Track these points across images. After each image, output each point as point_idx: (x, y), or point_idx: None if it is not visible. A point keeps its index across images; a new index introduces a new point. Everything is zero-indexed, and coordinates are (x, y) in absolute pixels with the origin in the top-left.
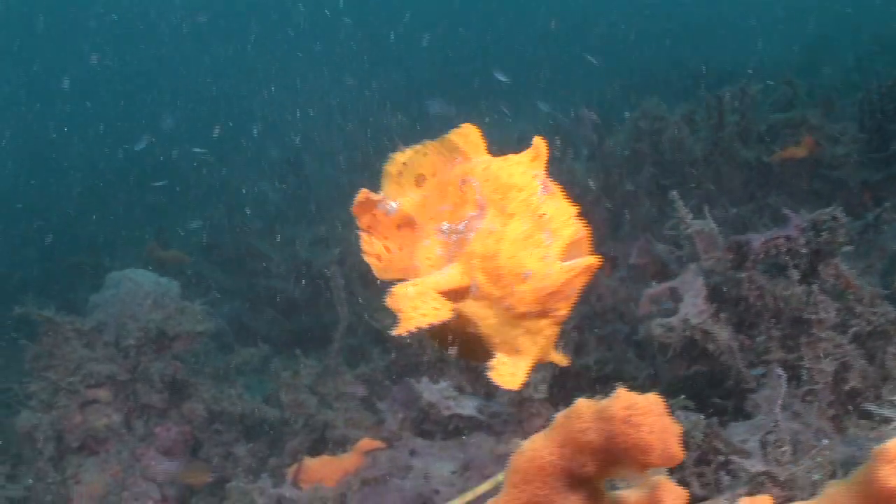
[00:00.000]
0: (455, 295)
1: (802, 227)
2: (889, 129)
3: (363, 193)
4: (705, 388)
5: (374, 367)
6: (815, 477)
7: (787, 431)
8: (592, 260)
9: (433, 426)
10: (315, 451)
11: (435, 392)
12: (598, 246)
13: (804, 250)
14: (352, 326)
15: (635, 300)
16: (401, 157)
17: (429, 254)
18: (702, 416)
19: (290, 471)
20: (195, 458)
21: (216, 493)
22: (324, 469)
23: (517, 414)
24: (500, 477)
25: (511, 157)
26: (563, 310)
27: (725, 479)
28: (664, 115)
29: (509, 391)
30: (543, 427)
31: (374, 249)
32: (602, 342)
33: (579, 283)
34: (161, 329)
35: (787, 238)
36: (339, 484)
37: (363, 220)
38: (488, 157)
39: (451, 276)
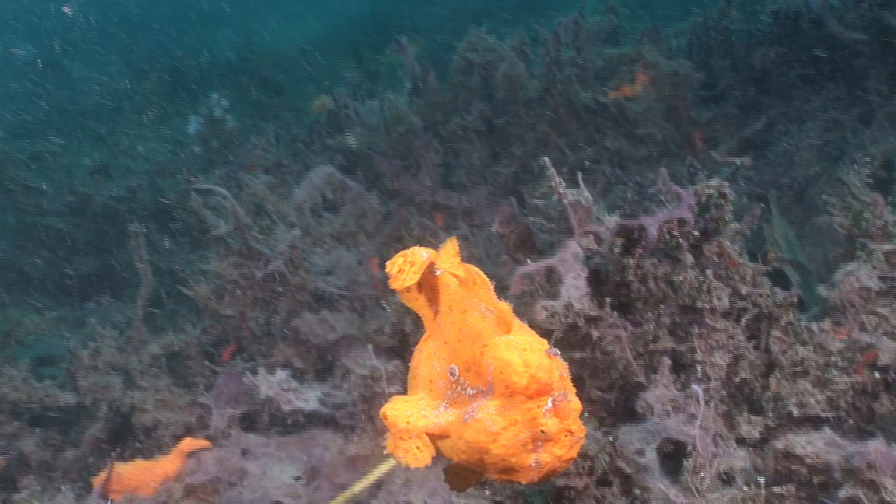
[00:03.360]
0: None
1: (693, 206)
2: (717, 66)
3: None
4: (585, 378)
5: (185, 339)
6: None
7: (706, 456)
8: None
9: (267, 419)
10: (120, 439)
11: (273, 384)
12: (430, 195)
13: (696, 232)
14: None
15: (477, 261)
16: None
17: (432, 376)
18: (609, 438)
19: (97, 480)
20: None
21: None
22: (138, 476)
23: (368, 410)
24: (355, 488)
25: (528, 348)
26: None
27: None
28: (494, 47)
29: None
30: None
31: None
32: None
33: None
34: None
35: (681, 221)
36: (158, 492)
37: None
38: (506, 340)
39: (441, 429)
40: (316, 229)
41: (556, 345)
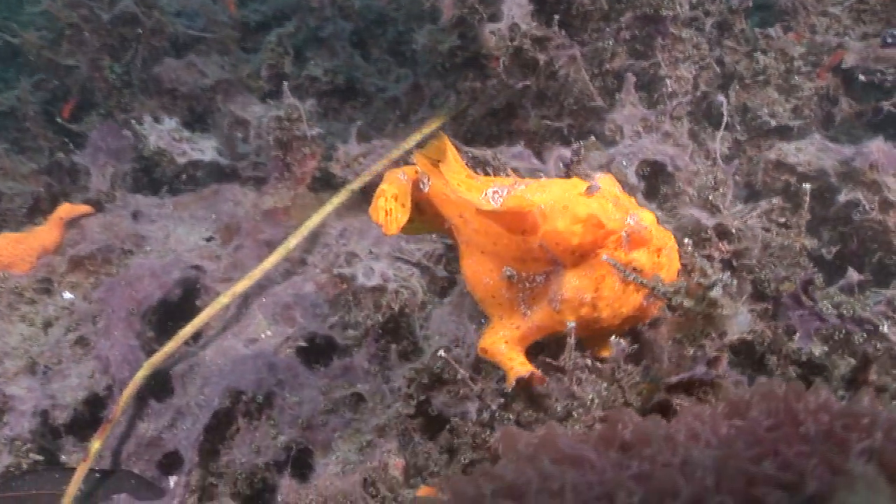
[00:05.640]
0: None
1: None
2: None
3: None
4: (529, 108)
5: (18, 96)
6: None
7: (724, 171)
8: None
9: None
10: None
11: (163, 133)
12: None
13: None
14: None
15: None
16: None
17: (492, 292)
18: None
19: None
20: None
21: None
22: (9, 250)
23: (283, 157)
24: (290, 243)
25: (569, 205)
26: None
27: None
28: None
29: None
30: (317, 169)
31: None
32: (325, 46)
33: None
34: None
35: None
36: (36, 268)
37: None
38: (543, 212)
39: (538, 329)
40: None
41: (504, 72)
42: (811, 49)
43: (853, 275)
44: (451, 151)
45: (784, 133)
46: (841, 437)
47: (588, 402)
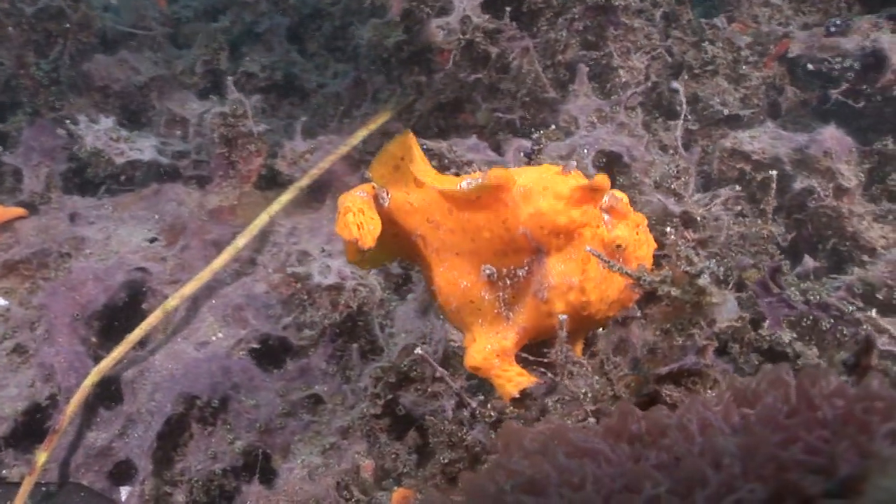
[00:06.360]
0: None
1: None
2: None
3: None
4: (479, 102)
5: None
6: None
7: (690, 160)
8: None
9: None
10: None
11: (100, 133)
12: None
13: None
14: None
15: None
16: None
17: (470, 297)
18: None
19: None
20: None
21: None
22: None
23: (228, 154)
24: (239, 242)
25: (549, 184)
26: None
27: None
28: None
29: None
30: (263, 167)
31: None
32: (261, 42)
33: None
34: None
35: None
36: None
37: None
38: (522, 194)
39: (525, 330)
40: None
41: (454, 66)
42: (757, 39)
43: (809, 261)
44: (418, 150)
45: (734, 122)
46: (862, 420)
47: (581, 396)
